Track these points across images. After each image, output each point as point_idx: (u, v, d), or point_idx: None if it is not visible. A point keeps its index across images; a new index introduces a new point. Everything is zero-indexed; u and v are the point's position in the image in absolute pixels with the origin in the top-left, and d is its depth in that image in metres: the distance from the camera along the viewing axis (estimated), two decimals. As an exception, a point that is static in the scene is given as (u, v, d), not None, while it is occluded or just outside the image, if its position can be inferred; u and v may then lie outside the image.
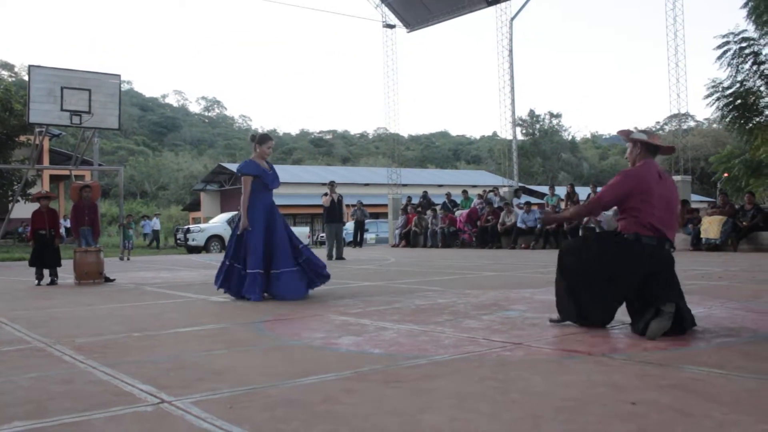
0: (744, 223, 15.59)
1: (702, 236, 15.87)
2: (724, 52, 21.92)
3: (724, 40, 21.89)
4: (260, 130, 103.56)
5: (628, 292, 4.60)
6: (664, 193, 4.68)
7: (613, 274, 4.58)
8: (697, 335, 4.40)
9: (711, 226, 15.73)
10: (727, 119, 22.99)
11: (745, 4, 21.51)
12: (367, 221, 28.58)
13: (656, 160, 4.85)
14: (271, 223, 7.34)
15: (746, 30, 21.80)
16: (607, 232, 5.07)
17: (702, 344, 4.13)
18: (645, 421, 2.57)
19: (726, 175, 28.44)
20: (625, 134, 4.88)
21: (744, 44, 21.71)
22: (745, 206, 15.97)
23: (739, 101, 22.03)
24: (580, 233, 17.71)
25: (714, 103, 22.76)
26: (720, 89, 22.36)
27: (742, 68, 21.92)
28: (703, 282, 8.14)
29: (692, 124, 61.45)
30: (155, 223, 34.90)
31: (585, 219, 17.65)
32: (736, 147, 28.26)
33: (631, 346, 4.08)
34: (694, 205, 18.17)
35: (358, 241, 24.85)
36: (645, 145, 4.77)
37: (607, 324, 4.72)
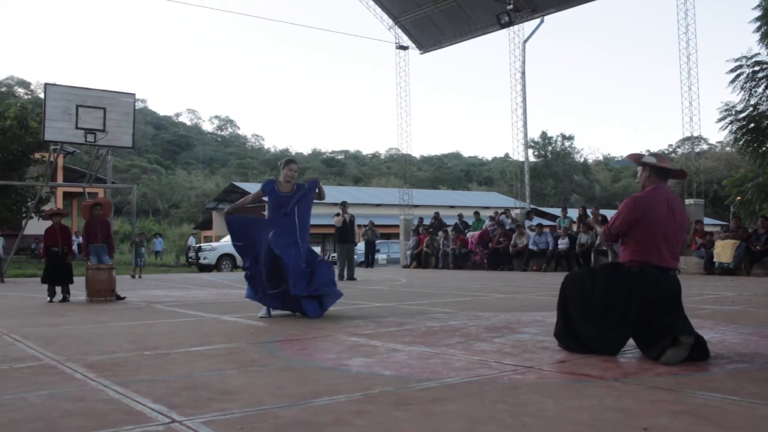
0: (757, 247, 15.50)
1: (715, 260, 15.80)
2: (737, 76, 21.86)
3: (737, 63, 21.85)
4: (272, 150, 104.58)
5: (637, 323, 4.55)
6: (670, 221, 4.64)
7: (622, 307, 4.55)
8: (710, 361, 4.36)
9: (724, 250, 15.66)
10: (740, 143, 22.88)
11: (758, 29, 21.51)
12: (378, 242, 28.51)
13: (669, 184, 4.84)
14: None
15: (759, 54, 21.76)
16: (611, 264, 4.99)
17: (715, 370, 4.10)
18: (657, 447, 2.56)
19: (739, 198, 28.27)
20: (635, 158, 4.85)
21: (757, 68, 21.66)
22: (759, 230, 15.90)
23: (752, 125, 21.94)
24: (592, 257, 17.66)
25: (727, 127, 22.67)
26: (733, 113, 22.28)
27: (755, 92, 21.85)
28: (716, 306, 8.09)
29: (705, 147, 61.20)
30: (191, 241, 36.06)
31: (598, 241, 17.60)
32: (749, 171, 28.07)
33: (643, 371, 4.05)
34: (706, 229, 18.06)
35: (369, 262, 24.84)
36: (654, 169, 4.73)
37: (615, 354, 4.67)
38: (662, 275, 4.58)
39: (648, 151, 4.94)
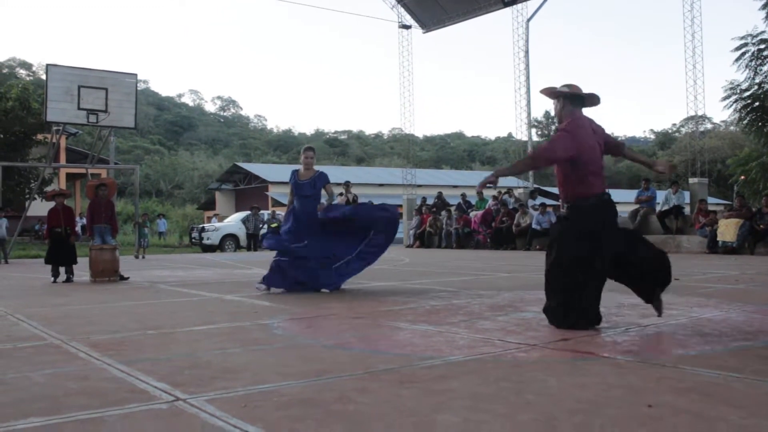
0: (761, 226, 15.46)
1: (718, 239, 15.76)
2: (742, 54, 21.75)
3: (742, 41, 21.73)
4: (275, 131, 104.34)
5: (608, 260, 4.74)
6: (597, 149, 4.83)
7: (595, 253, 4.67)
8: (714, 338, 4.36)
9: (727, 229, 15.62)
10: (745, 121, 22.83)
11: (764, 6, 21.34)
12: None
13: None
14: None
15: (765, 31, 21.63)
16: (567, 225, 4.97)
17: (719, 348, 4.10)
18: (661, 424, 2.56)
19: (743, 177, 28.20)
20: (549, 92, 4.95)
21: (762, 46, 21.53)
22: (763, 209, 15.84)
23: (757, 103, 21.86)
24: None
25: (731, 106, 22.61)
26: (738, 91, 22.20)
27: (761, 70, 21.75)
28: (719, 285, 8.08)
29: (709, 126, 60.84)
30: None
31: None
32: (753, 149, 28.00)
33: (647, 349, 4.05)
34: (710, 208, 18.01)
35: (368, 240, 24.81)
36: (569, 98, 4.85)
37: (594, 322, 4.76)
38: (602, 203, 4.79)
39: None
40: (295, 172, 8.23)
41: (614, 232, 4.79)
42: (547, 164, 4.95)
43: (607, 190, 4.86)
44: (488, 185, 4.94)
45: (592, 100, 4.94)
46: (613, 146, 5.14)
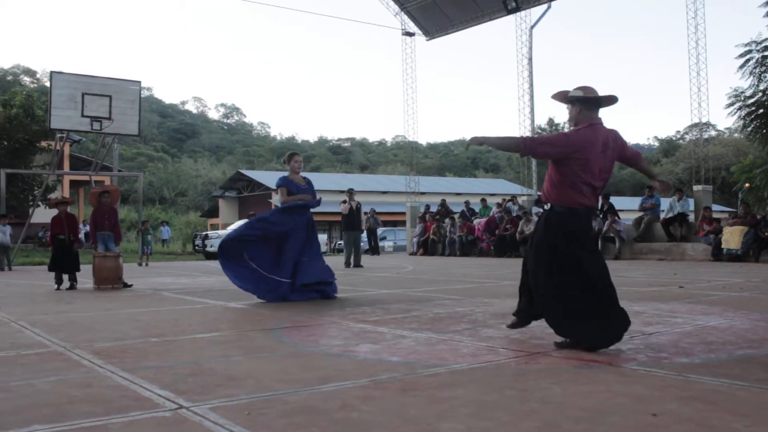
0: (766, 233, 15.42)
1: (723, 246, 15.72)
2: (747, 61, 21.72)
3: (747, 48, 21.69)
4: (278, 138, 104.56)
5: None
6: (604, 164, 4.42)
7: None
8: (719, 347, 4.35)
9: (732, 237, 15.58)
10: (749, 129, 22.78)
11: (768, 14, 21.34)
12: (385, 229, 28.32)
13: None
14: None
15: (769, 38, 21.61)
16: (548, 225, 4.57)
17: (724, 356, 4.08)
18: (666, 432, 2.55)
19: (747, 185, 28.16)
20: (561, 96, 4.57)
21: (767, 53, 21.51)
22: (767, 216, 15.80)
23: (761, 110, 21.81)
24: (599, 244, 17.61)
25: (736, 113, 22.57)
26: (742, 98, 22.16)
27: (765, 77, 21.70)
28: (724, 293, 8.06)
29: (713, 133, 60.90)
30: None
31: (605, 228, 17.52)
32: (758, 157, 27.94)
33: (651, 357, 4.03)
34: (715, 216, 17.96)
35: (373, 247, 24.78)
36: (583, 102, 4.45)
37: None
38: (588, 215, 4.50)
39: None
40: (286, 177, 8.13)
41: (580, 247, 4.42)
42: (532, 155, 4.55)
43: (591, 205, 4.49)
44: (474, 144, 4.50)
45: (609, 101, 4.59)
46: (629, 157, 4.70)
